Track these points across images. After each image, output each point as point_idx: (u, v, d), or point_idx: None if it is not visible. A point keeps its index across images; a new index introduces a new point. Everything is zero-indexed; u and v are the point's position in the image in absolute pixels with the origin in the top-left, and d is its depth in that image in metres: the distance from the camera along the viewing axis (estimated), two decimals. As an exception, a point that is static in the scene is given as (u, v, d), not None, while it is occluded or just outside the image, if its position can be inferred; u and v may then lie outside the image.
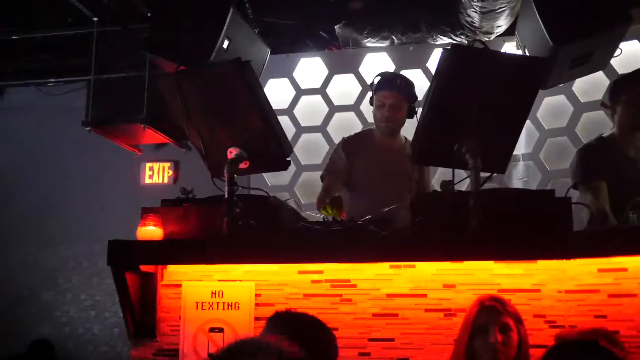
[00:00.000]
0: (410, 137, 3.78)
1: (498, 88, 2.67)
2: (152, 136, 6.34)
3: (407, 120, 3.90)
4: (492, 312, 2.40)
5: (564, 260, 2.59)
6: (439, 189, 2.82)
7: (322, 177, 3.98)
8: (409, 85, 3.87)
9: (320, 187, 3.90)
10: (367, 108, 4.52)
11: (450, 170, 2.84)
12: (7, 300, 6.75)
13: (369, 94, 4.03)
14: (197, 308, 2.85)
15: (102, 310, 6.64)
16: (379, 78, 3.85)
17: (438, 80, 2.72)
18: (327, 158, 4.51)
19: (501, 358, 2.34)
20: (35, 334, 6.52)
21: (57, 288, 6.84)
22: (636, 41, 4.73)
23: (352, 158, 3.90)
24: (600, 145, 3.65)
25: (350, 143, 3.97)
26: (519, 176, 5.20)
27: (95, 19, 6.19)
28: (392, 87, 3.81)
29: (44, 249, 6.84)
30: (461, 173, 2.77)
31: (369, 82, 3.92)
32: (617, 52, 3.86)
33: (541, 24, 3.51)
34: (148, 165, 6.92)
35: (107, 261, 2.74)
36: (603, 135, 3.69)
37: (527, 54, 3.86)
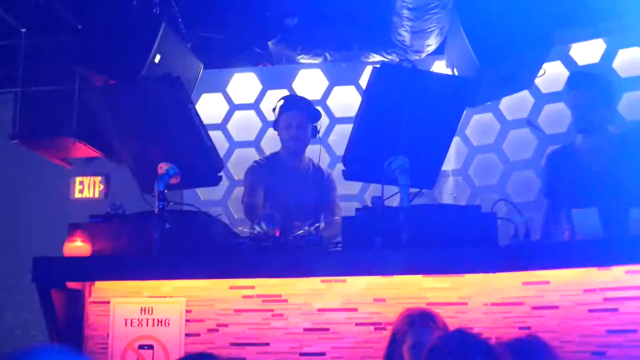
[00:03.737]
0: (314, 159, 4.06)
1: (426, 106, 2.74)
2: (82, 150, 6.16)
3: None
4: (423, 329, 2.45)
5: (490, 274, 2.66)
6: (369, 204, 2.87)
7: (243, 202, 4.06)
8: (311, 105, 4.09)
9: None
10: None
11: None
12: None
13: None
14: (126, 325, 2.81)
15: (28, 328, 6.43)
16: (282, 101, 4.01)
17: (367, 98, 2.77)
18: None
19: None
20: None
21: (-18, 306, 6.60)
22: (559, 62, 4.89)
23: (261, 183, 3.98)
24: (562, 152, 3.72)
25: (258, 169, 4.07)
26: (449, 192, 5.30)
27: (24, 30, 6.04)
28: (297, 107, 3.99)
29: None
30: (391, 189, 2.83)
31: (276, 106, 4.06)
32: (541, 72, 4.01)
33: (468, 44, 3.63)
34: (78, 179, 6.72)
35: (32, 278, 2.68)
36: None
37: (456, 73, 3.97)
